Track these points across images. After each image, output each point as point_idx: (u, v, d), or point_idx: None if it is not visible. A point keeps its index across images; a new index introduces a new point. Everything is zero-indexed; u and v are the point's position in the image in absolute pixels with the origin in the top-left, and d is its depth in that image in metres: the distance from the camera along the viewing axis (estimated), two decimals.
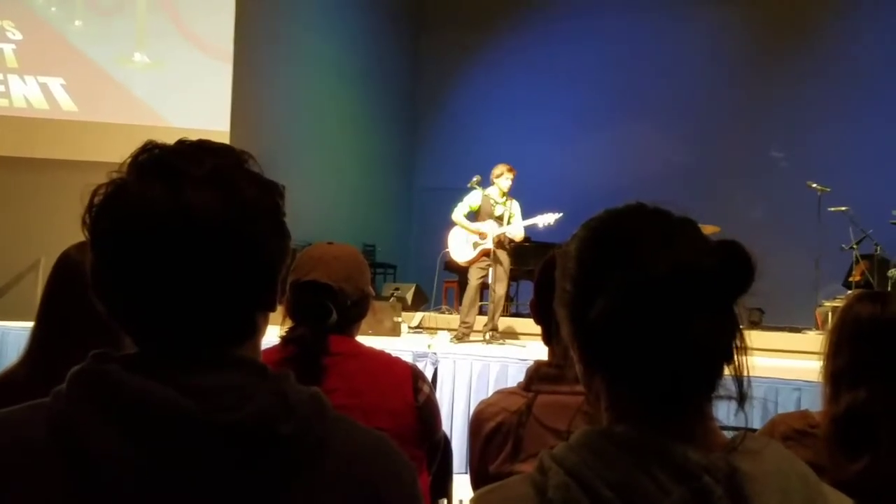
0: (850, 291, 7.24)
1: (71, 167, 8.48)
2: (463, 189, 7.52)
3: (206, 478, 0.84)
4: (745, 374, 0.92)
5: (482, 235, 7.24)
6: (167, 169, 0.89)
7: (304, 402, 0.90)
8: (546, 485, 0.89)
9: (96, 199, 0.91)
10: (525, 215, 7.37)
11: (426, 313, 9.12)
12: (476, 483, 1.88)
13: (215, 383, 0.87)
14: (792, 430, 1.80)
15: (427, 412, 2.05)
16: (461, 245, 7.46)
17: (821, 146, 10.11)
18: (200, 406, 0.84)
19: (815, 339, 6.50)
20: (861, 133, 9.99)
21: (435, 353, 5.87)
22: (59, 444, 0.84)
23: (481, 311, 7.66)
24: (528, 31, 12.20)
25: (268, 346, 1.77)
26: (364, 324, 2.18)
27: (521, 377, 1.92)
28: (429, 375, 5.37)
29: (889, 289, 7.41)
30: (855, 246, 8.11)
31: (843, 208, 8.11)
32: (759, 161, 10.68)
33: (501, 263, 7.24)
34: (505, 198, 7.29)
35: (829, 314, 6.83)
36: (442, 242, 7.88)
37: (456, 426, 5.44)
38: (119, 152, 0.95)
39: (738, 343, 0.92)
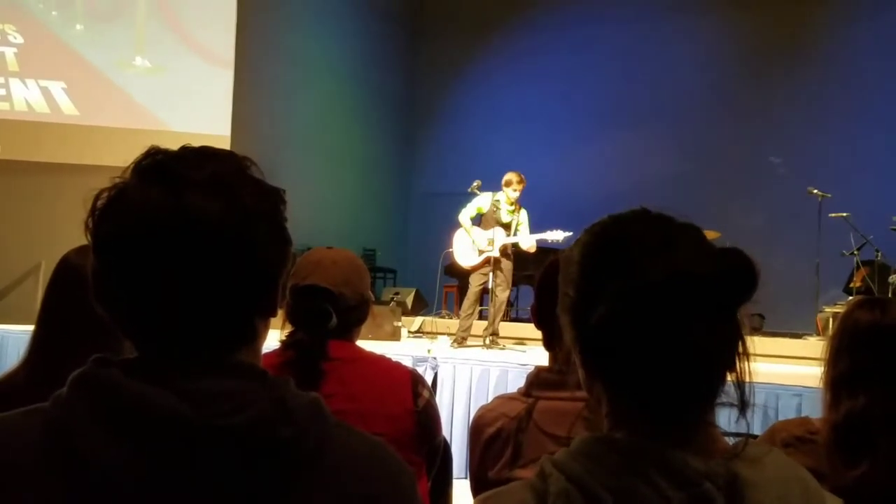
0: (850, 297, 7.26)
1: (71, 171, 8.49)
2: (462, 194, 7.52)
3: (204, 483, 0.84)
4: (748, 380, 0.91)
5: (490, 242, 7.24)
6: (169, 174, 0.90)
7: (303, 408, 0.90)
8: (546, 491, 0.89)
9: (98, 203, 0.91)
10: (529, 222, 7.36)
11: (426, 318, 9.12)
12: (475, 489, 1.87)
13: (215, 388, 0.87)
14: (792, 437, 1.80)
15: (426, 417, 2.04)
16: (466, 250, 7.44)
17: (821, 152, 10.11)
18: (199, 411, 0.84)
19: (815, 345, 6.49)
20: (861, 139, 10.00)
21: (435, 358, 5.86)
22: (57, 448, 0.84)
23: (481, 316, 7.66)
24: (525, 38, 12.22)
25: (267, 351, 1.77)
26: (364, 328, 2.18)
27: (521, 382, 1.92)
28: (428, 380, 5.36)
29: (890, 295, 7.40)
30: (855, 252, 8.11)
31: (844, 214, 8.11)
32: (759, 167, 10.69)
33: (503, 269, 7.24)
34: (514, 206, 7.29)
35: (830, 320, 6.84)
36: (443, 246, 7.88)
37: (455, 431, 5.44)
38: (119, 156, 0.95)
39: (741, 350, 0.91)
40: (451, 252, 7.65)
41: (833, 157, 9.94)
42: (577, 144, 11.46)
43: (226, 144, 8.74)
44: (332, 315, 1.94)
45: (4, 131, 8.96)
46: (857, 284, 8.09)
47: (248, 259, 0.91)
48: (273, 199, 0.96)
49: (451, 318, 9.01)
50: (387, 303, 8.70)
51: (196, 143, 0.96)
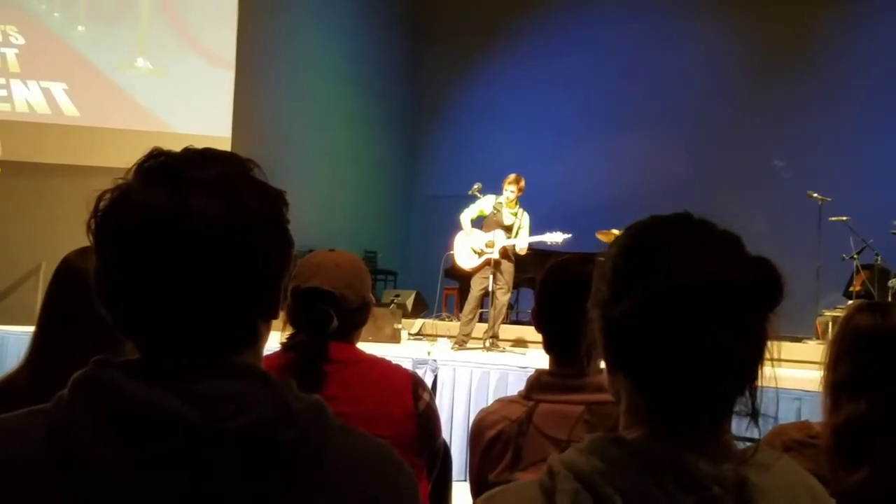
0: (850, 301, 7.25)
1: (72, 172, 8.50)
2: (464, 196, 7.53)
3: (206, 486, 0.84)
4: (774, 385, 0.92)
5: (490, 244, 7.24)
6: (172, 175, 0.90)
7: (305, 410, 0.90)
8: (555, 489, 0.89)
9: (101, 205, 0.91)
10: (531, 226, 7.37)
11: (426, 320, 9.12)
12: (476, 492, 1.87)
13: (217, 390, 0.87)
14: (792, 441, 1.80)
15: (427, 420, 2.04)
16: (467, 252, 7.45)
17: (822, 156, 10.11)
18: (201, 413, 0.84)
19: (815, 349, 6.49)
20: (862, 143, 10.00)
21: (435, 361, 5.86)
22: (58, 450, 0.84)
23: (482, 319, 7.66)
24: (529, 41, 12.23)
25: (268, 353, 1.77)
26: (364, 330, 2.18)
27: (520, 385, 1.92)
28: (428, 383, 5.36)
29: (890, 299, 7.40)
30: (855, 256, 8.11)
31: (844, 218, 8.11)
32: (759, 171, 10.69)
33: (503, 272, 7.24)
34: (517, 208, 7.29)
35: (830, 324, 6.84)
36: (444, 249, 7.89)
37: (455, 434, 5.44)
38: (121, 158, 0.96)
39: (764, 361, 0.92)
40: (453, 254, 7.66)
41: (834, 161, 9.94)
42: (580, 147, 11.45)
43: (227, 146, 8.74)
44: (333, 317, 1.94)
45: (5, 132, 8.96)
46: (857, 288, 8.09)
47: (251, 261, 0.91)
48: (276, 201, 0.96)
49: (452, 321, 9.01)
50: (387, 305, 8.70)
51: (197, 145, 0.97)
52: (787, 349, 7.32)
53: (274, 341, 1.50)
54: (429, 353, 6.19)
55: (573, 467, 0.89)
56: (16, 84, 9.22)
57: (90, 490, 0.83)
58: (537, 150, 11.49)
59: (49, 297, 1.80)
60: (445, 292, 9.93)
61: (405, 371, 2.13)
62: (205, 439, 0.84)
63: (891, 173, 9.64)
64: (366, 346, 2.15)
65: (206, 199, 0.89)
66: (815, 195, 8.31)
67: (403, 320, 8.39)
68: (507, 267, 7.28)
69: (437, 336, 8.50)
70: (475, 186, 7.42)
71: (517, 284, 9.02)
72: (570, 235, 7.20)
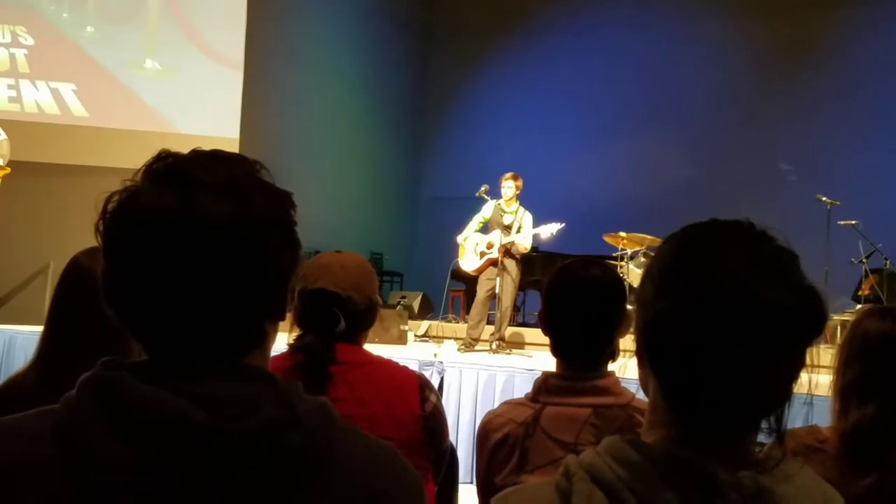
0: (859, 305, 7.23)
1: (81, 172, 8.52)
2: (470, 198, 7.52)
3: (213, 487, 0.84)
4: (813, 391, 0.91)
5: (490, 245, 7.24)
6: (180, 177, 0.90)
7: (311, 412, 0.90)
8: (571, 490, 0.89)
9: (109, 207, 0.92)
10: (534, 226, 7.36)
11: (433, 322, 9.11)
12: (482, 494, 1.87)
13: (224, 392, 0.87)
14: (801, 446, 1.79)
15: (433, 422, 2.04)
16: (468, 254, 7.46)
17: (831, 159, 10.08)
18: (208, 415, 0.84)
19: (824, 353, 6.46)
20: (871, 146, 9.97)
21: (441, 363, 5.86)
22: (66, 451, 0.84)
23: (489, 321, 7.65)
24: (535, 44, 12.22)
25: (275, 354, 1.77)
26: (371, 332, 2.18)
27: (527, 387, 1.92)
28: (435, 385, 5.35)
29: None
30: (864, 260, 8.08)
31: (853, 222, 8.08)
32: (768, 174, 10.66)
33: (509, 273, 7.22)
34: (515, 206, 7.28)
35: (838, 328, 6.81)
36: (449, 250, 7.89)
37: (462, 436, 5.43)
38: (129, 158, 0.96)
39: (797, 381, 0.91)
40: (458, 261, 7.66)
41: (843, 165, 9.91)
42: (586, 150, 11.45)
43: (234, 147, 8.76)
44: (340, 319, 1.94)
45: (14, 132, 8.98)
46: (866, 293, 8.06)
47: (259, 262, 0.91)
48: (284, 202, 0.96)
49: (458, 323, 9.01)
50: (394, 306, 8.70)
51: (205, 146, 0.97)
52: None
53: (281, 342, 1.50)
54: (435, 355, 6.19)
55: (590, 469, 0.89)
56: (25, 84, 9.26)
57: (98, 491, 0.83)
58: (544, 152, 11.49)
59: (57, 298, 1.80)
60: (451, 294, 9.93)
61: (412, 373, 2.13)
62: (211, 440, 0.84)
63: None
64: (372, 348, 2.15)
65: (214, 201, 0.89)
66: (825, 199, 8.28)
67: (410, 322, 8.38)
68: (512, 266, 7.24)
69: (443, 338, 8.49)
70: (482, 188, 7.41)
71: (524, 286, 9.01)
72: (563, 225, 7.17)
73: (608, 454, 0.89)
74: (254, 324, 0.94)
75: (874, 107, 10.06)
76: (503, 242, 7.14)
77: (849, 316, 6.86)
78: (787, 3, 10.85)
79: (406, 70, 12.92)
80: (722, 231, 0.95)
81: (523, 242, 7.25)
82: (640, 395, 1.89)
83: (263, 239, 0.91)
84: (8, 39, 9.28)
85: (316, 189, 9.94)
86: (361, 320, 2.06)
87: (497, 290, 7.15)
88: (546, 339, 1.90)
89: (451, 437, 2.34)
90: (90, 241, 0.94)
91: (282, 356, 1.93)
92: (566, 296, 1.85)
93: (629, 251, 8.37)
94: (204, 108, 9.44)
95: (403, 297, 9.57)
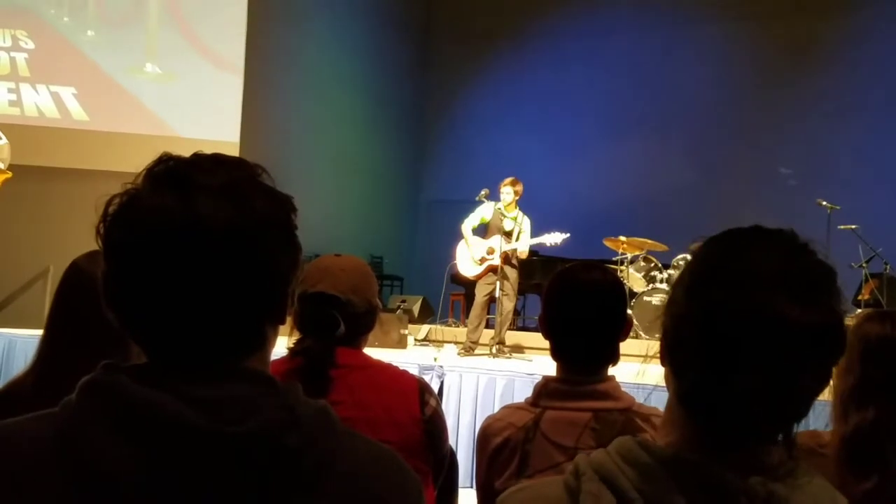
0: (859, 310, 7.23)
1: (81, 176, 8.53)
2: (470, 202, 7.52)
3: (212, 491, 0.84)
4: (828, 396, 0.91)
5: (490, 251, 7.24)
6: (181, 180, 0.90)
7: (311, 416, 0.90)
8: (579, 489, 0.89)
9: (110, 209, 0.92)
10: (533, 230, 7.36)
11: (432, 326, 9.10)
12: (482, 498, 1.87)
13: (223, 395, 0.87)
14: (802, 450, 1.79)
15: (433, 426, 2.04)
16: (468, 260, 7.45)
17: (831, 164, 10.09)
18: (208, 418, 0.84)
19: None
20: (871, 151, 9.98)
21: (441, 367, 5.85)
22: (66, 454, 0.84)
23: (488, 325, 7.64)
24: (535, 48, 12.24)
25: (275, 358, 1.77)
26: (371, 336, 2.17)
27: (527, 392, 1.92)
28: (435, 389, 5.35)
29: None
30: (864, 264, 8.08)
31: (853, 226, 8.09)
32: (767, 178, 10.67)
33: (509, 278, 7.22)
34: (516, 212, 7.28)
35: None
36: (449, 255, 7.88)
37: (461, 440, 5.42)
38: (129, 162, 0.96)
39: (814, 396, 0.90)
40: (455, 264, 7.65)
41: (842, 169, 9.92)
42: (586, 154, 11.45)
43: (235, 151, 8.77)
44: (340, 322, 1.94)
45: (15, 136, 8.99)
46: (866, 297, 8.06)
47: (259, 266, 0.92)
48: (284, 206, 0.96)
49: (458, 327, 9.00)
50: (394, 310, 8.69)
51: (205, 150, 0.97)
52: None
53: (281, 346, 1.50)
54: (435, 359, 6.19)
55: (599, 469, 0.89)
56: (25, 88, 9.26)
57: (97, 494, 0.83)
58: (544, 155, 11.50)
59: (57, 301, 1.80)
60: (451, 298, 9.93)
61: (412, 376, 2.13)
62: (211, 444, 0.84)
63: None
64: (372, 352, 2.15)
65: (215, 204, 0.89)
66: (824, 203, 8.29)
67: (410, 326, 8.37)
68: (511, 272, 7.25)
69: (443, 342, 8.49)
70: (482, 192, 7.41)
71: (524, 290, 9.01)
72: (568, 235, 7.18)
73: (618, 455, 0.89)
74: (254, 327, 0.94)
75: (874, 110, 10.07)
76: (504, 249, 7.14)
77: (849, 320, 6.85)
78: (787, 8, 10.86)
79: (406, 74, 12.93)
80: (761, 241, 0.94)
81: (524, 248, 7.25)
82: (645, 400, 1.89)
83: (264, 242, 0.92)
84: (8, 43, 9.28)
85: (316, 193, 9.95)
86: (361, 324, 2.06)
87: (498, 295, 7.15)
88: (546, 343, 1.90)
89: (451, 441, 2.33)
90: (90, 244, 0.94)
91: (281, 360, 1.93)
92: (567, 299, 1.85)
93: (629, 255, 8.38)
94: (204, 112, 9.45)
95: (403, 301, 9.57)
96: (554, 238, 7.22)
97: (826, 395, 1.86)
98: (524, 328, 9.26)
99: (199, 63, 9.57)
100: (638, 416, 1.73)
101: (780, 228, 0.96)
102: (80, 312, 1.68)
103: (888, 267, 8.15)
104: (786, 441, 0.91)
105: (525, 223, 7.27)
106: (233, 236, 0.89)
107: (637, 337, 7.75)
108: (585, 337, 1.82)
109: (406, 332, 7.96)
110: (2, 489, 0.83)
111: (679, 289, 0.95)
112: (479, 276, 7.37)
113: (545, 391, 1.82)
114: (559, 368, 1.87)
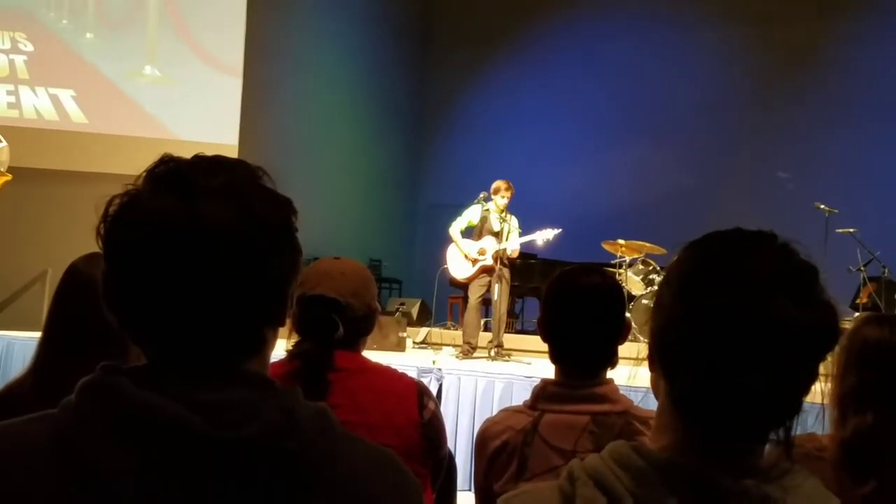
0: (857, 314, 7.22)
1: (80, 179, 8.52)
2: (469, 206, 7.52)
3: (211, 494, 0.84)
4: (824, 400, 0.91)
5: (481, 252, 7.24)
6: (182, 182, 0.90)
7: (310, 418, 0.90)
8: (574, 494, 0.89)
9: (111, 210, 0.92)
10: (528, 233, 7.36)
11: (431, 329, 9.10)
12: (481, 501, 1.87)
13: (223, 398, 0.87)
14: (799, 454, 1.79)
15: (432, 429, 2.04)
16: (459, 262, 7.43)
17: (828, 167, 10.10)
18: (207, 421, 0.84)
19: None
20: (869, 154, 9.98)
21: (440, 370, 5.85)
22: (64, 456, 0.84)
23: (486, 328, 7.63)
24: (533, 51, 12.25)
25: (273, 361, 1.77)
26: (369, 339, 2.17)
27: (525, 394, 1.92)
28: (433, 392, 5.35)
29: None
30: (862, 268, 8.08)
31: (851, 230, 8.09)
32: (765, 182, 10.67)
33: (502, 279, 7.21)
34: (504, 213, 7.28)
35: None
36: (445, 259, 7.89)
37: (460, 443, 5.42)
38: (128, 164, 0.96)
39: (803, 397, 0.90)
40: (447, 269, 7.63)
41: (840, 173, 9.93)
42: (585, 158, 11.45)
43: (233, 153, 8.76)
44: (338, 325, 1.94)
45: (13, 138, 8.98)
46: (864, 301, 8.06)
47: (259, 268, 0.91)
48: (284, 208, 0.96)
49: (457, 329, 9.00)
50: (392, 313, 8.69)
51: (204, 152, 0.97)
52: None
53: (280, 349, 1.50)
54: (434, 362, 6.18)
55: (593, 474, 0.89)
56: (24, 90, 9.25)
57: (96, 495, 0.83)
58: (542, 159, 11.50)
59: (55, 304, 1.80)
60: (450, 300, 9.92)
61: (410, 379, 2.13)
62: (210, 447, 0.84)
63: None
64: (371, 355, 2.15)
65: (215, 206, 0.89)
66: (822, 206, 8.29)
67: (408, 329, 8.37)
68: (504, 273, 7.24)
69: (441, 345, 8.49)
70: (481, 196, 7.41)
71: (522, 293, 9.00)
72: (560, 230, 7.17)
73: (612, 459, 0.89)
74: (253, 329, 0.94)
75: (872, 115, 10.08)
76: (497, 249, 7.14)
77: (847, 324, 6.85)
78: (786, 13, 10.87)
79: (404, 78, 12.94)
80: (746, 242, 0.95)
81: (514, 248, 7.26)
82: (639, 403, 1.89)
83: (264, 244, 0.92)
84: (7, 45, 9.28)
85: (314, 195, 9.93)
86: (360, 327, 2.06)
87: (494, 297, 7.14)
88: (544, 346, 1.90)
89: (450, 445, 2.33)
90: (89, 247, 0.94)
91: (280, 363, 1.92)
92: (565, 302, 1.85)
93: (627, 258, 8.38)
94: (203, 115, 9.44)
95: (402, 304, 9.56)
96: (545, 234, 7.22)
97: (824, 399, 1.86)
98: (523, 331, 9.26)
99: (199, 66, 9.57)
100: (636, 418, 1.73)
101: (759, 230, 0.97)
102: (78, 314, 1.68)
103: (886, 270, 8.15)
104: (784, 443, 0.91)
105: (513, 222, 7.27)
106: (233, 238, 0.89)
107: (635, 340, 7.75)
108: (584, 340, 1.82)
109: (404, 334, 7.95)
110: (1, 490, 0.83)
111: (666, 292, 0.95)
112: (472, 278, 7.36)
113: (543, 394, 1.82)
114: (558, 371, 1.87)
